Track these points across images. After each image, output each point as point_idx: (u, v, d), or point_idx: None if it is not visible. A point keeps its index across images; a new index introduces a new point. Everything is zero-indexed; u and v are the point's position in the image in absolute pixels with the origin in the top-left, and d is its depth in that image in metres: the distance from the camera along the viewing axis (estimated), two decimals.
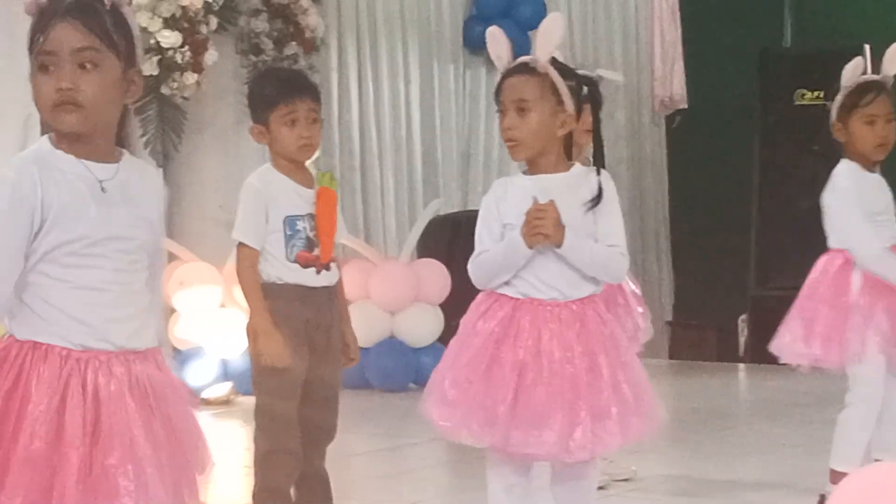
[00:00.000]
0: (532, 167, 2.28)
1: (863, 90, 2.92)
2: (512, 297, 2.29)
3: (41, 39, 1.65)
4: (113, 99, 1.65)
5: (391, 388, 4.97)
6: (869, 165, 3.03)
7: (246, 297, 2.72)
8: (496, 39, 2.31)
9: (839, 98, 2.98)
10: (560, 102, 2.20)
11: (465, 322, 2.39)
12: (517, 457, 2.37)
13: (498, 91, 2.29)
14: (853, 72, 2.93)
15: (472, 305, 2.34)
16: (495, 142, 6.30)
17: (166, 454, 1.63)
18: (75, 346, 1.58)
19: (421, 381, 4.92)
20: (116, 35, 1.65)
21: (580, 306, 2.29)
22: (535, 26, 6.28)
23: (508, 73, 2.27)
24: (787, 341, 3.33)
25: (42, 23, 1.66)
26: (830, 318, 3.07)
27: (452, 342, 2.39)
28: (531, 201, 2.19)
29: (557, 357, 2.21)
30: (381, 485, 3.90)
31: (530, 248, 2.32)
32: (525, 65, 2.25)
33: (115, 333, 1.60)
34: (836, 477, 2.86)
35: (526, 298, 2.27)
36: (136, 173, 1.72)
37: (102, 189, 1.67)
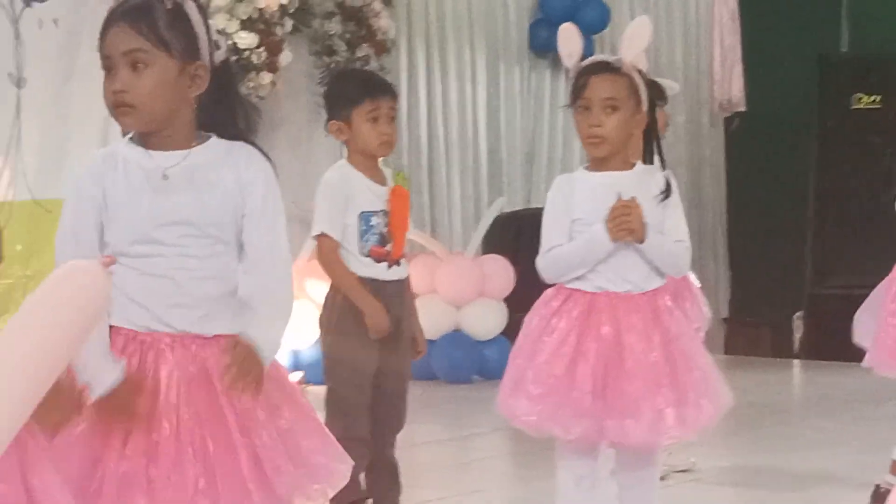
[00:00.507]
0: (600, 164, 2.31)
1: None
2: (587, 292, 2.32)
3: (101, 44, 1.69)
4: (169, 95, 1.63)
5: (456, 379, 5.12)
6: None
7: (340, 282, 2.75)
8: (569, 37, 2.36)
9: None
10: (638, 103, 2.27)
11: (537, 317, 2.40)
12: (594, 447, 2.38)
13: (579, 88, 2.28)
14: None
15: (542, 300, 2.35)
16: (559, 141, 6.50)
17: (220, 443, 1.59)
18: (140, 329, 1.61)
19: (485, 373, 5.11)
20: (170, 34, 1.64)
21: (652, 298, 2.34)
22: (598, 30, 6.49)
23: (592, 71, 2.28)
24: (884, 357, 3.22)
25: (103, 27, 1.69)
26: None
27: (524, 338, 2.39)
28: (605, 197, 2.24)
29: (639, 347, 2.26)
30: (448, 473, 3.99)
31: (614, 242, 2.37)
32: (608, 64, 2.28)
33: (177, 318, 1.60)
34: None
35: (602, 292, 2.30)
36: (216, 157, 1.68)
37: (164, 176, 1.66)
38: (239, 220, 1.66)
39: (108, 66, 1.65)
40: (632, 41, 2.33)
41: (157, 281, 1.61)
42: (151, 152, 1.66)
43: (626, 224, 2.31)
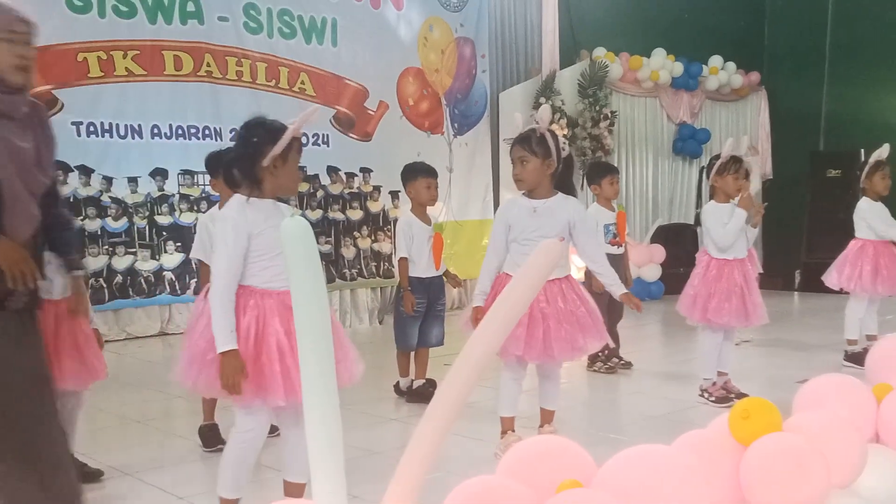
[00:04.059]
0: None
1: None
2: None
3: (512, 151, 3.85)
4: (538, 174, 3.77)
5: None
6: None
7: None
8: None
9: None
10: None
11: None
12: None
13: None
14: None
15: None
16: (681, 193, 11.97)
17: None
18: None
19: None
20: (538, 147, 3.67)
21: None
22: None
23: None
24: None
25: (511, 147, 3.81)
26: None
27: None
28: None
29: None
30: None
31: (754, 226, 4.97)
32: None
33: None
34: None
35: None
36: (557, 202, 4.54)
37: (534, 210, 3.84)
38: None
39: (514, 161, 3.74)
40: None
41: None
42: (532, 201, 3.72)
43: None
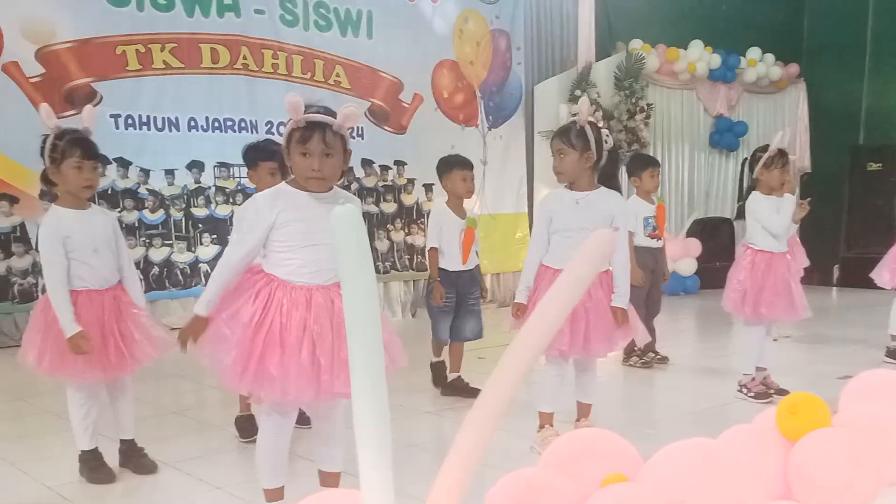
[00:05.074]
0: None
1: None
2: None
3: (551, 144, 3.82)
4: (575, 166, 4.13)
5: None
6: None
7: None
8: None
9: None
10: None
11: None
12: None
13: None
14: None
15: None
16: (716, 187, 11.84)
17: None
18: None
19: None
20: (576, 139, 3.79)
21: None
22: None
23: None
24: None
25: (552, 140, 3.85)
26: None
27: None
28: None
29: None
30: None
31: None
32: None
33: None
34: None
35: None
36: (598, 195, 3.85)
37: (576, 202, 3.81)
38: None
39: (554, 154, 3.76)
40: None
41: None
42: (575, 193, 3.76)
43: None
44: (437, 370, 5.42)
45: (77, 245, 3.50)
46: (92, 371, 3.52)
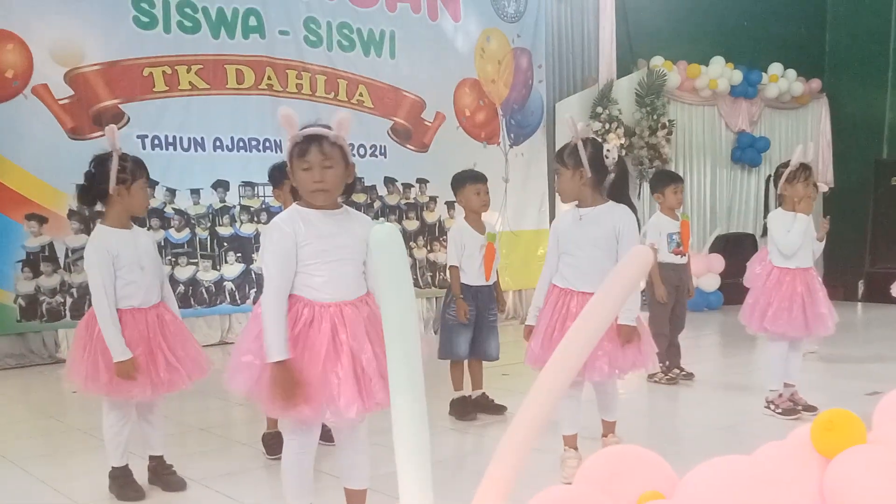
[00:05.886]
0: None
1: None
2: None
3: (556, 158, 3.73)
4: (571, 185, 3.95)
5: None
6: None
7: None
8: None
9: None
10: None
11: None
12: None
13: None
14: None
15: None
16: (738, 203, 11.77)
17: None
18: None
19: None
20: (568, 158, 4.42)
21: None
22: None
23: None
24: None
25: (555, 158, 3.80)
26: None
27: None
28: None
29: None
30: None
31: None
32: None
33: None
34: None
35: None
36: (601, 210, 3.67)
37: (580, 217, 3.65)
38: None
39: (555, 172, 3.60)
40: None
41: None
42: (580, 209, 3.65)
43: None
44: (460, 408, 5.19)
45: (125, 263, 3.55)
46: (142, 390, 3.55)
